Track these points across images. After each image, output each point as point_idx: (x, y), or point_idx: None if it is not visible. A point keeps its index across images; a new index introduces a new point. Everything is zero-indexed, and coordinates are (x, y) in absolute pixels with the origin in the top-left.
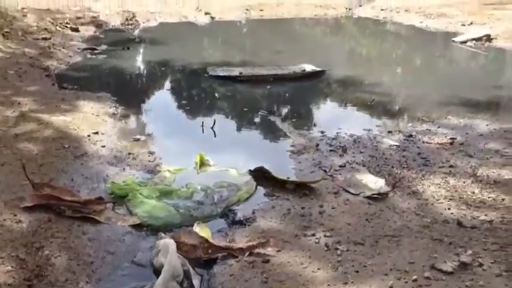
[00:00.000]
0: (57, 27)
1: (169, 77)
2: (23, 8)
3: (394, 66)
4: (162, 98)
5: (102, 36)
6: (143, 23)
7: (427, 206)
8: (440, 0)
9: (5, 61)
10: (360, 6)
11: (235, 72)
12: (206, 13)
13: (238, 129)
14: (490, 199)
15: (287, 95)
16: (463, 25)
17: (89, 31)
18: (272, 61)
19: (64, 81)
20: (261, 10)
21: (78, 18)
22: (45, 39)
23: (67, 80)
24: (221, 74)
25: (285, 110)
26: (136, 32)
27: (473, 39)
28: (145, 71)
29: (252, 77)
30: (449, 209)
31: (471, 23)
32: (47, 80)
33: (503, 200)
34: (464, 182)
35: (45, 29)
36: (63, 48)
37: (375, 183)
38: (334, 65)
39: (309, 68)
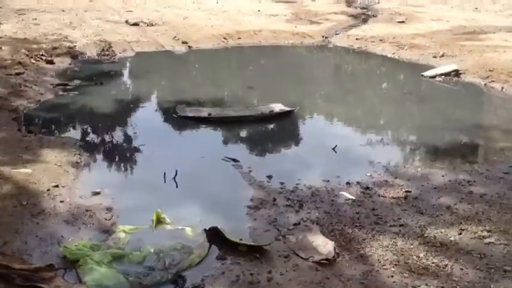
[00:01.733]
0: (32, 60)
1: (137, 118)
2: None
3: (362, 103)
4: (128, 143)
5: (76, 69)
6: (119, 53)
7: (372, 273)
8: (414, 29)
9: None
10: (336, 34)
11: (204, 113)
12: (183, 42)
13: (201, 179)
14: (433, 265)
15: (252, 139)
16: (435, 57)
17: (64, 63)
18: (243, 98)
19: (31, 123)
20: (239, 38)
21: (55, 48)
22: (18, 74)
23: (35, 122)
24: (190, 115)
25: (248, 157)
26: (111, 64)
27: (442, 74)
28: (113, 111)
29: (220, 119)
30: (392, 276)
31: (442, 55)
32: (14, 124)
33: (445, 266)
34: (411, 244)
35: (20, 62)
36: (35, 85)
37: (324, 246)
38: (303, 101)
39: (277, 107)
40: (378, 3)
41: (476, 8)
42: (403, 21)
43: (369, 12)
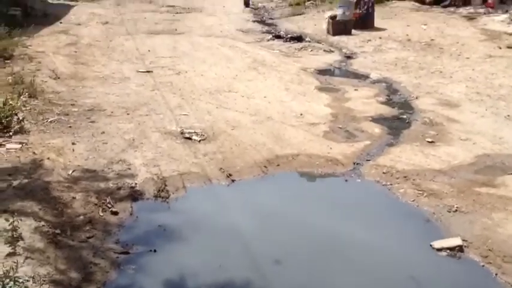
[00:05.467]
0: (100, 213)
1: None
2: (72, 172)
3: None
4: None
5: (136, 222)
6: (172, 193)
7: None
8: (438, 161)
9: None
10: (368, 160)
11: None
12: (228, 175)
13: None
14: None
15: None
16: (449, 211)
17: (126, 211)
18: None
19: None
20: (277, 165)
21: (119, 189)
22: (88, 238)
23: None
24: None
25: None
26: (164, 214)
27: (448, 248)
28: None
29: None
30: None
31: (456, 210)
32: None
33: None
34: None
35: (90, 221)
36: (102, 257)
37: None
38: None
39: None
40: (416, 98)
41: (508, 116)
42: (432, 142)
43: (405, 116)
